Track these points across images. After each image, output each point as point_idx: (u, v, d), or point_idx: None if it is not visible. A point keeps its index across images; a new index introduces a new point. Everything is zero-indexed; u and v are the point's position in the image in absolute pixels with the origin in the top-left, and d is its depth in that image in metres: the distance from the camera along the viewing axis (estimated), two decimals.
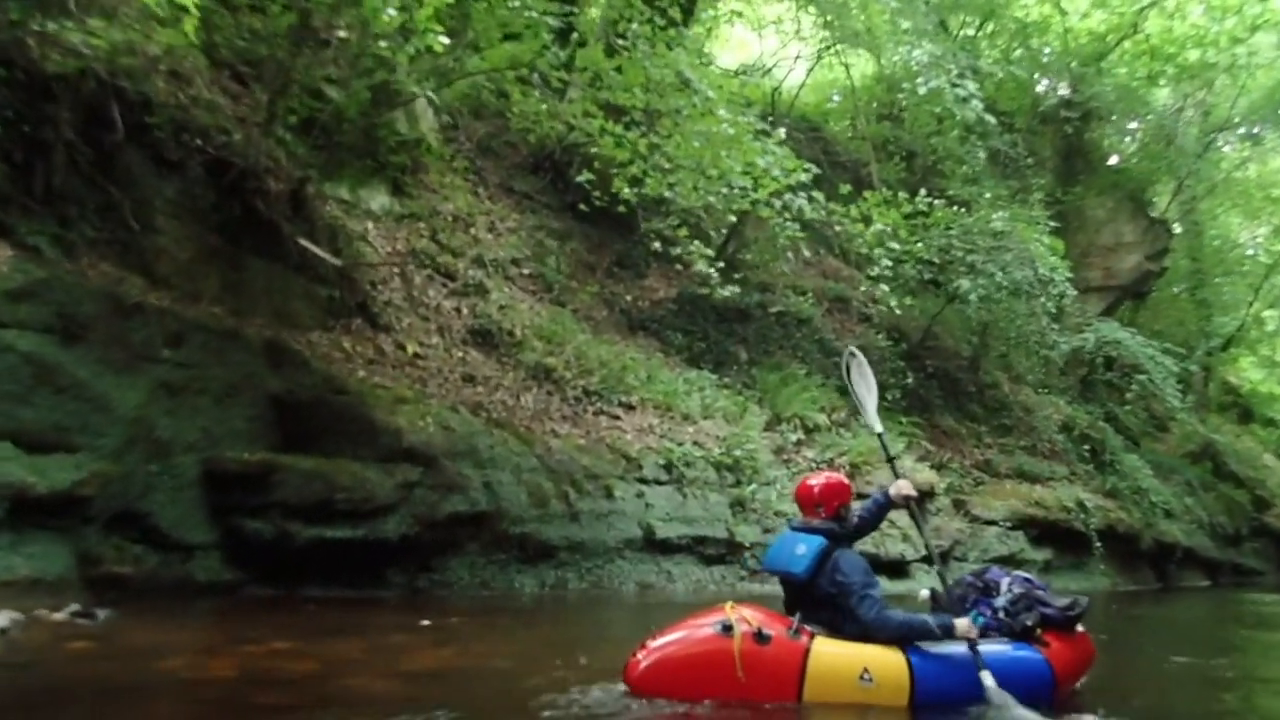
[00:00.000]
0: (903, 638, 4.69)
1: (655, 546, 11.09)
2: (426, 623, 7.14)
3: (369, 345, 10.35)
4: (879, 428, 6.07)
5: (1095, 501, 17.49)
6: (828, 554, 4.76)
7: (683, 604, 10.63)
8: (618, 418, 12.07)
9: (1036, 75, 21.62)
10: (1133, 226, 24.96)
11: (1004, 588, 5.40)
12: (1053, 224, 15.75)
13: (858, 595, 4.63)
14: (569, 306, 13.55)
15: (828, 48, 20.69)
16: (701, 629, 4.49)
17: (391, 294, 11.37)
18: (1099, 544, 16.80)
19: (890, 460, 6.15)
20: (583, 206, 13.48)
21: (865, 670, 4.50)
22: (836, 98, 24.85)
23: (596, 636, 7.81)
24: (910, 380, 16.46)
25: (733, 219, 13.13)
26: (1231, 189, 30.18)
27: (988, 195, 15.82)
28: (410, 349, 10.74)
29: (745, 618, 4.48)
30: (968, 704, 4.62)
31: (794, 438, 13.96)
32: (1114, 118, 23.31)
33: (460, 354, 11.35)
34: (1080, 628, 5.47)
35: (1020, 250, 14.87)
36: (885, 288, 13.50)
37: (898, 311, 14.38)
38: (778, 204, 11.21)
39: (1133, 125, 25.97)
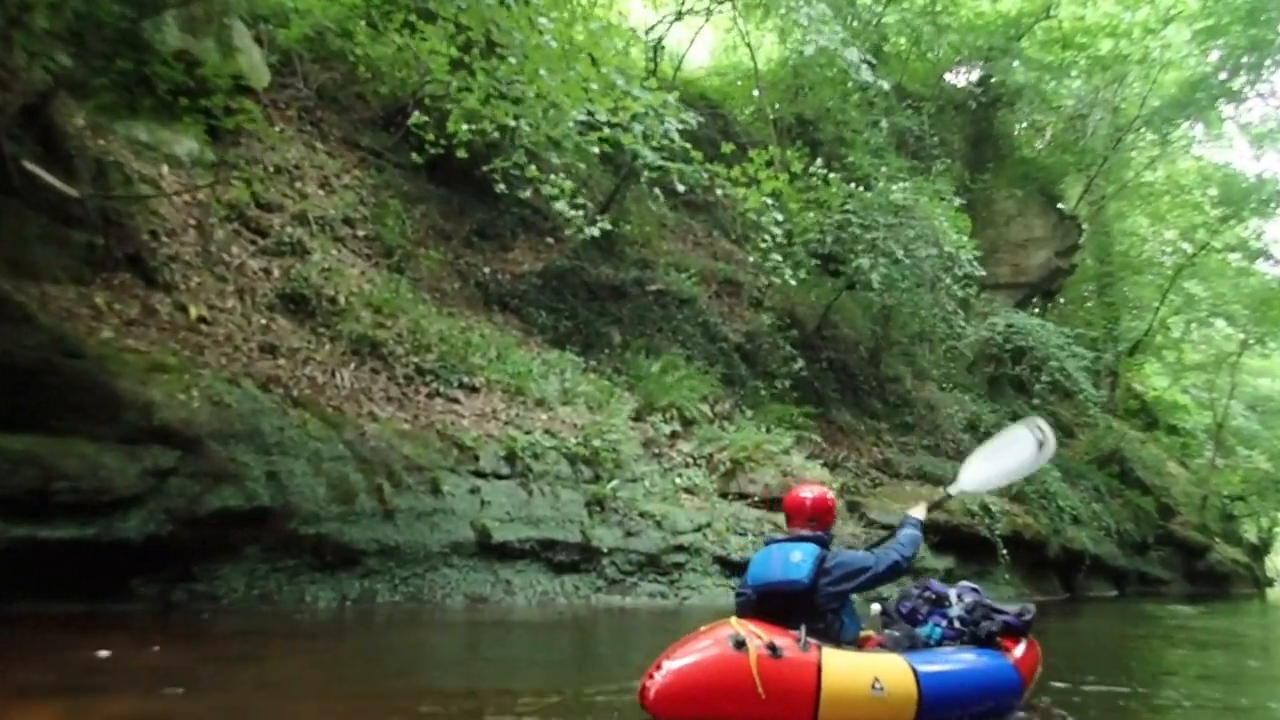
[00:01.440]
0: (912, 557, 4.91)
1: (491, 552, 9.37)
2: (105, 654, 5.28)
3: (134, 304, 8.44)
4: (961, 490, 6.03)
5: (1001, 506, 16.26)
6: (823, 559, 4.67)
7: (522, 621, 9.00)
8: (455, 401, 10.34)
9: (943, 54, 20.39)
10: (1043, 221, 24.11)
11: (953, 598, 5.33)
12: (958, 200, 14.42)
13: (880, 569, 4.75)
14: (410, 275, 11.76)
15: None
16: (712, 645, 4.24)
17: (181, 248, 9.46)
18: (1005, 551, 15.57)
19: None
20: (415, 156, 11.76)
21: (876, 680, 4.39)
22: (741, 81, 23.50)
23: (400, 662, 6.10)
24: (803, 369, 15.03)
25: (582, 164, 11.45)
26: (1140, 189, 29.70)
27: (887, 167, 14.42)
28: (194, 312, 8.85)
29: (753, 631, 4.27)
30: (971, 708, 4.72)
31: (668, 429, 12.38)
32: (1024, 105, 22.30)
33: (263, 320, 9.49)
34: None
35: (924, 227, 13.54)
36: (778, 257, 12.01)
37: (791, 282, 12.92)
38: (638, 129, 9.57)
39: (1044, 118, 25.14)
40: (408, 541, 8.72)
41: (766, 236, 11.95)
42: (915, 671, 4.52)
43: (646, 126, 9.66)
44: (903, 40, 21.54)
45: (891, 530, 5.31)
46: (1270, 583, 36.62)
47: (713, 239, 17.75)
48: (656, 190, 10.72)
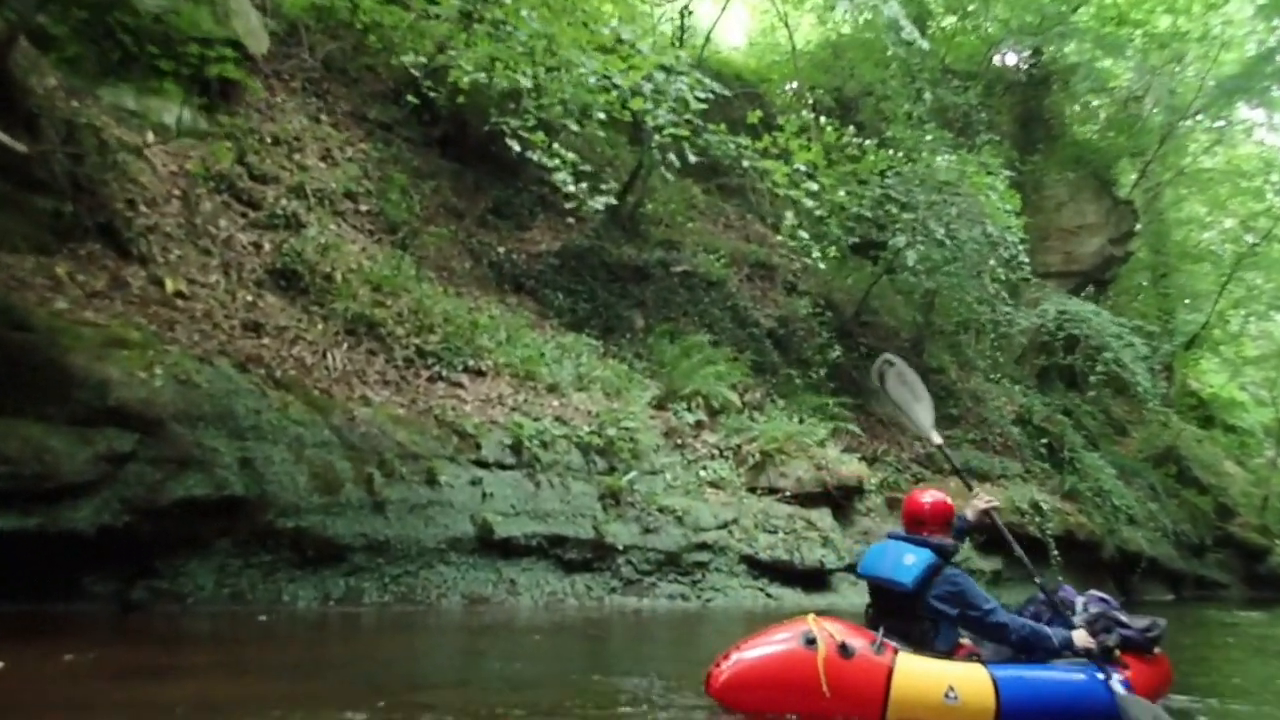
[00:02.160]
0: (1025, 646, 4.65)
1: (493, 548, 8.59)
2: None
3: (102, 275, 7.76)
4: (938, 439, 5.91)
5: (1052, 504, 15.24)
6: (937, 569, 4.59)
7: (527, 624, 8.21)
8: (459, 385, 9.57)
9: (992, 29, 19.29)
10: (1096, 207, 22.90)
11: (1079, 607, 5.20)
12: (1007, 173, 13.38)
13: (988, 620, 4.59)
14: (416, 252, 11.01)
15: None
16: (784, 641, 4.28)
17: (162, 219, 8.76)
18: (1056, 552, 14.54)
19: (959, 474, 6.19)
20: (411, 98, 11.09)
21: (950, 688, 4.29)
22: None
23: (389, 673, 5.32)
24: (840, 357, 14.11)
25: (600, 134, 10.64)
26: (1198, 176, 28.31)
27: (930, 138, 13.40)
28: (171, 286, 8.15)
29: (828, 630, 4.28)
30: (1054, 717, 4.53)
31: (692, 418, 11.54)
32: (1077, 84, 21.15)
33: (248, 297, 8.77)
34: (1158, 649, 5.29)
35: (968, 204, 12.56)
36: (804, 235, 11.11)
37: (820, 265, 12.05)
38: (648, 88, 8.73)
39: (1097, 98, 23.93)
40: (399, 536, 7.96)
41: (796, 212, 11.05)
42: (996, 682, 4.41)
43: (656, 86, 8.81)
44: (951, 17, 20.52)
45: (1051, 603, 5.12)
46: None
47: (745, 222, 16.87)
48: (671, 157, 9.83)
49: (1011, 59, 22.63)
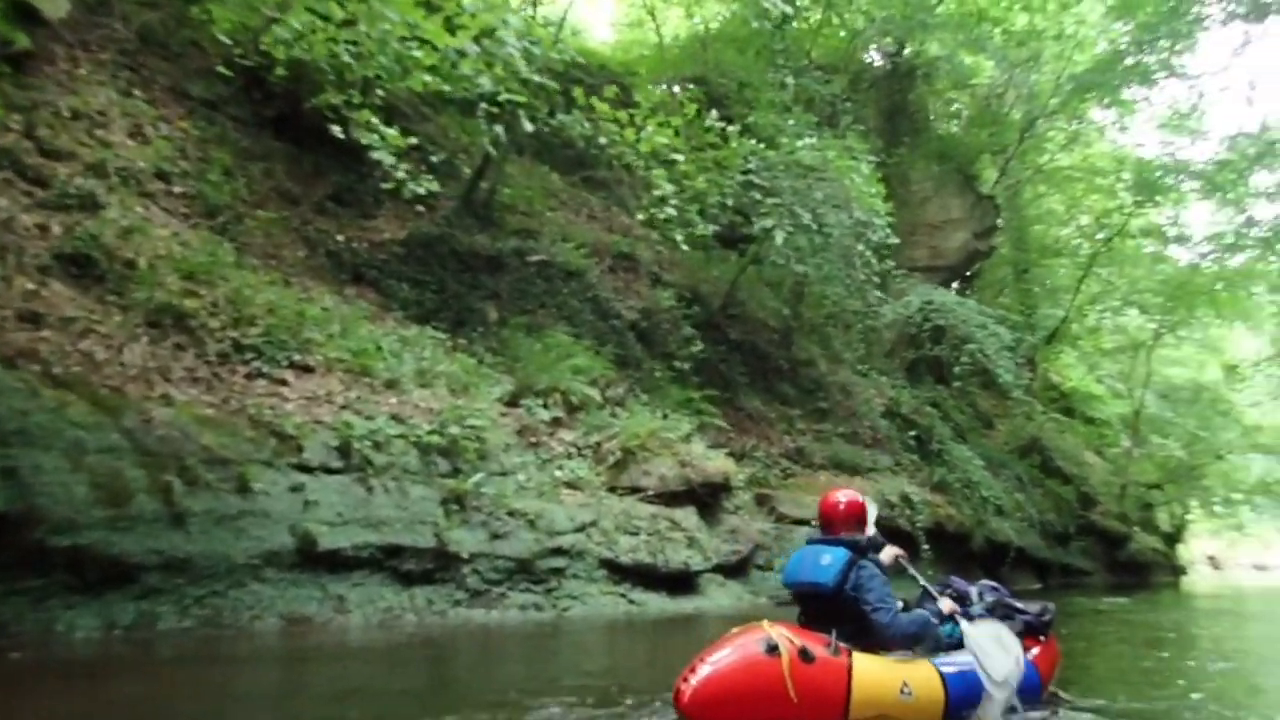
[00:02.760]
0: (915, 638, 4.68)
1: (317, 562, 7.70)
2: None
3: None
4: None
5: (922, 496, 15.07)
6: (852, 564, 4.61)
7: (359, 646, 7.37)
8: (282, 382, 8.63)
9: (855, 23, 19.15)
10: (960, 202, 23.14)
11: (975, 596, 5.34)
12: (872, 158, 13.09)
13: (873, 606, 4.55)
14: (239, 239, 10.00)
15: None
16: (745, 649, 4.19)
17: None
18: (927, 545, 14.34)
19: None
20: (223, 69, 10.13)
21: (905, 684, 4.41)
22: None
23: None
24: (705, 351, 13.61)
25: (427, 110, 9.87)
26: (1055, 174, 29.00)
27: (793, 122, 12.99)
28: None
29: (786, 636, 4.22)
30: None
31: (548, 415, 10.82)
32: (940, 79, 21.24)
33: (29, 284, 7.68)
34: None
35: (834, 189, 12.19)
36: (671, 210, 10.54)
37: (684, 246, 11.54)
38: (474, 51, 7.98)
39: (960, 95, 24.17)
40: (203, 552, 7.02)
41: (653, 190, 10.47)
42: (942, 675, 4.58)
43: (485, 49, 8.08)
44: (816, 12, 20.35)
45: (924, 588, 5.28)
46: (1184, 570, 36.51)
47: (611, 214, 16.24)
48: (500, 130, 9.13)
49: (877, 55, 22.68)
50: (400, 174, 8.60)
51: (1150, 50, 23.86)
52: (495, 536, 9.10)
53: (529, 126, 8.91)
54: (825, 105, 15.61)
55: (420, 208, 12.67)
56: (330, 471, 8.08)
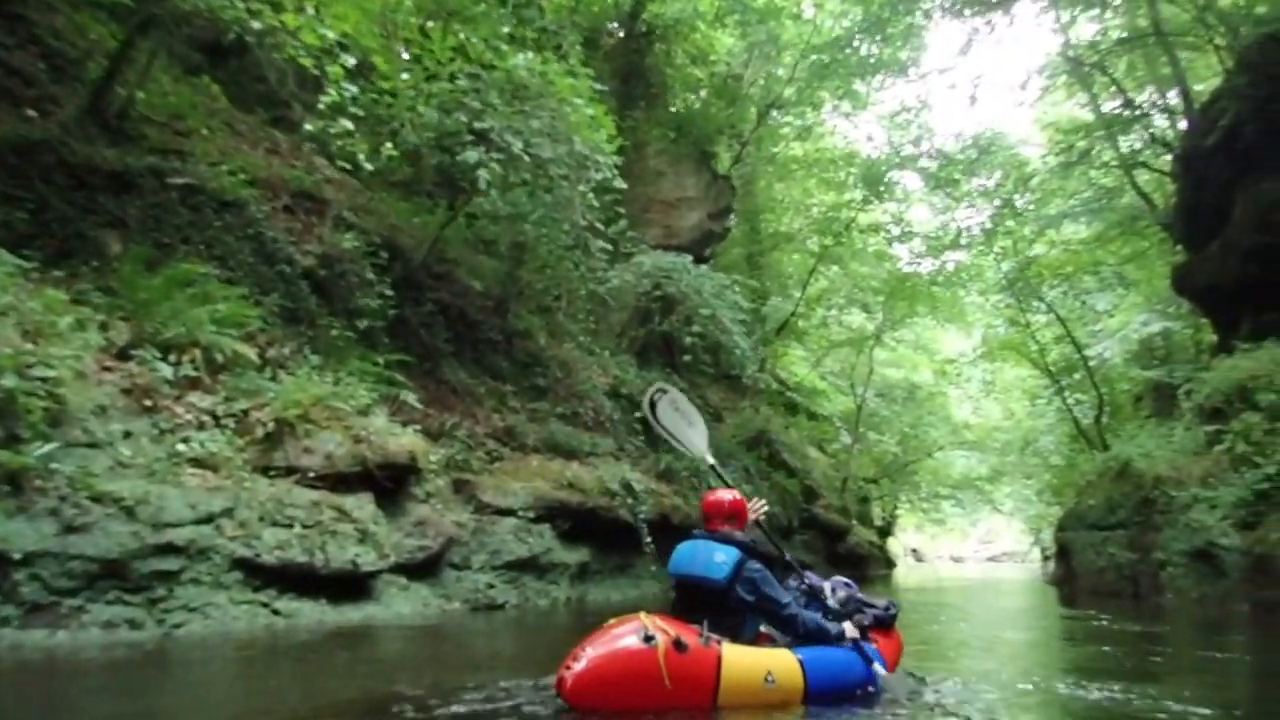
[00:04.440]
0: (818, 634, 5.07)
1: None
2: None
3: None
4: (710, 460, 6.05)
5: (646, 484, 13.56)
6: (743, 563, 4.92)
7: None
8: None
9: None
10: (696, 180, 22.13)
11: (828, 590, 5.58)
12: (600, 86, 11.34)
13: (783, 613, 4.97)
14: None
15: None
16: (623, 639, 4.46)
17: None
18: (650, 540, 12.84)
19: (728, 486, 5.60)
20: None
21: (769, 673, 4.71)
22: None
23: None
24: (400, 311, 11.48)
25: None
26: (789, 163, 28.84)
27: (507, 29, 10.96)
28: None
29: (661, 627, 4.49)
30: (844, 692, 5.02)
31: (172, 373, 8.31)
32: (677, 45, 20.04)
33: None
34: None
35: (552, 118, 10.36)
36: (347, 124, 8.36)
37: (367, 166, 9.41)
38: None
39: (699, 71, 23.18)
40: None
41: (328, 99, 8.26)
42: (803, 664, 4.86)
43: None
44: None
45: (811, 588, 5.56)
46: (894, 563, 37.86)
47: (302, 152, 13.67)
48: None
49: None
50: None
51: (880, 43, 23.94)
52: (70, 530, 6.60)
53: None
54: (550, 37, 13.69)
55: (31, 111, 9.88)
56: None
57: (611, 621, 4.62)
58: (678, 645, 4.43)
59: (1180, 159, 18.69)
